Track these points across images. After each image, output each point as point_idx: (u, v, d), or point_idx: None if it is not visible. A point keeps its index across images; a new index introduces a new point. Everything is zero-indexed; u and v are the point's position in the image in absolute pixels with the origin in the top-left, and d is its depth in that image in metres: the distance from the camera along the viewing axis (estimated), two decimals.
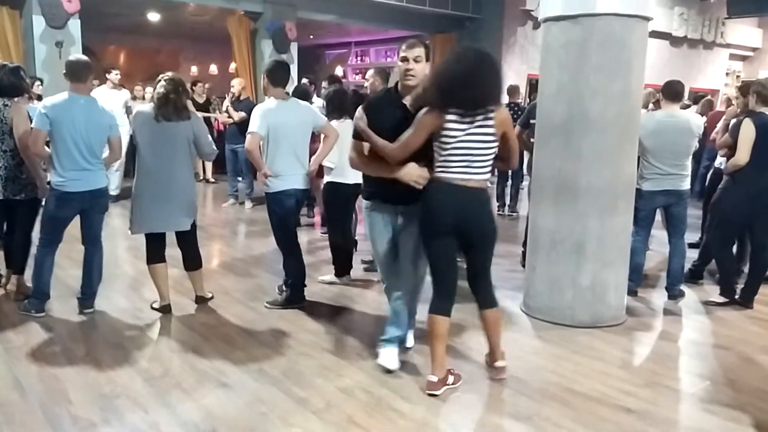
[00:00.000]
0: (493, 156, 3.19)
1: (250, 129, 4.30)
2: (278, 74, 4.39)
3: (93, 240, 4.33)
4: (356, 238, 6.13)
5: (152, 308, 4.44)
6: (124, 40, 15.13)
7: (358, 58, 16.75)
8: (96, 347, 3.82)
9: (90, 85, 4.35)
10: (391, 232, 3.52)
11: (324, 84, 7.16)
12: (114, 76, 8.44)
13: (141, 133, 4.16)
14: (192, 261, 4.49)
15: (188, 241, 4.45)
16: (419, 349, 3.70)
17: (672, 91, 4.87)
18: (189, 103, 4.28)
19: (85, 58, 4.28)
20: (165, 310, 4.41)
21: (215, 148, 4.46)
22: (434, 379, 3.25)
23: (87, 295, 4.34)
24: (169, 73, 4.23)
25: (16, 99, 4.38)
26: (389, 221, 3.51)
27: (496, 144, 3.18)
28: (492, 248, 3.33)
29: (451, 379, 3.34)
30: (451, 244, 3.25)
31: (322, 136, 4.58)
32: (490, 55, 3.21)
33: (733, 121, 5.03)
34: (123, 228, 7.43)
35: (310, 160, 4.52)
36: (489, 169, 3.21)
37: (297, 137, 4.33)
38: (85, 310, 4.32)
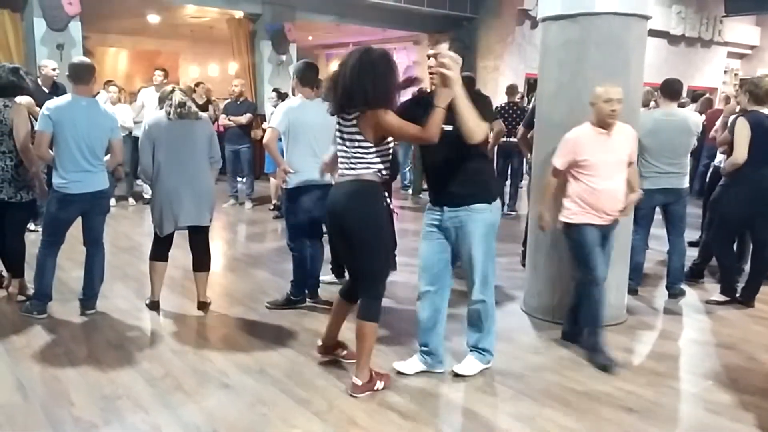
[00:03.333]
0: (364, 155, 3.08)
1: (270, 124, 4.43)
2: (307, 74, 4.44)
3: (94, 241, 4.33)
4: None
5: (147, 305, 4.48)
6: (124, 42, 15.15)
7: None
8: (97, 349, 3.83)
9: (92, 87, 4.37)
10: (437, 238, 3.39)
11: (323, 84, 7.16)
12: (158, 77, 8.13)
13: (158, 137, 4.16)
14: (202, 262, 4.49)
15: (201, 242, 4.46)
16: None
17: (670, 90, 4.88)
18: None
19: (88, 60, 4.30)
20: (153, 306, 4.45)
21: (219, 158, 4.52)
22: (358, 382, 3.22)
23: (88, 297, 4.35)
24: (174, 86, 4.37)
25: (17, 99, 4.39)
26: (435, 226, 3.38)
27: (364, 144, 3.06)
28: (360, 244, 3.11)
29: (379, 384, 3.29)
30: (340, 243, 3.27)
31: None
32: (368, 55, 3.02)
33: (731, 118, 5.04)
34: (126, 230, 7.47)
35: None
36: (363, 166, 3.09)
37: (316, 136, 4.33)
38: (87, 311, 4.33)
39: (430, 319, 3.45)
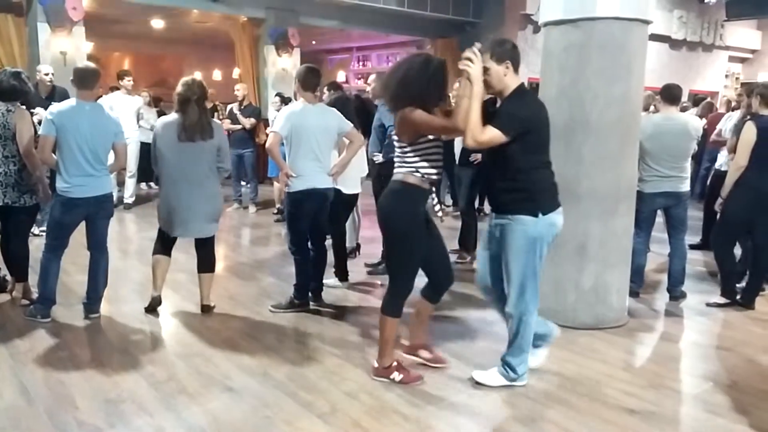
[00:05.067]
0: (402, 155, 3.29)
1: (272, 128, 4.45)
2: (309, 79, 4.47)
3: (98, 245, 4.36)
4: (359, 242, 6.17)
5: (149, 304, 4.51)
6: (129, 46, 15.21)
7: (360, 63, 16.79)
8: (101, 352, 3.85)
9: (96, 92, 4.40)
10: (486, 247, 3.42)
11: (325, 90, 7.19)
12: (127, 82, 8.46)
13: (165, 146, 4.21)
14: (206, 264, 4.52)
15: (207, 244, 4.50)
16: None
17: (670, 95, 4.90)
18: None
19: (92, 65, 4.34)
20: (155, 302, 4.48)
21: (229, 167, 4.61)
22: (376, 364, 3.49)
23: (92, 300, 4.37)
24: (186, 82, 4.21)
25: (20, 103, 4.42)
26: (488, 231, 3.40)
27: (400, 144, 3.28)
28: (384, 240, 3.44)
29: (397, 375, 3.42)
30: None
31: (347, 141, 4.64)
32: (406, 60, 3.32)
33: (737, 121, 5.05)
34: (131, 233, 7.51)
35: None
36: (402, 165, 3.30)
37: (319, 140, 4.37)
38: (91, 315, 4.35)
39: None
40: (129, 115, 8.17)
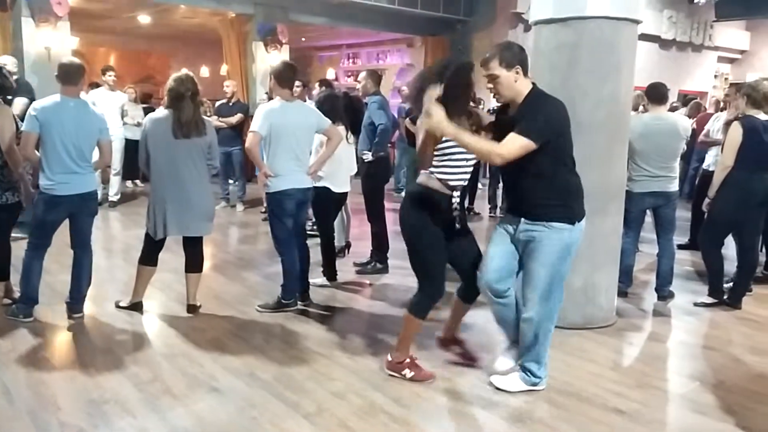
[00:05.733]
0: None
1: (251, 128, 4.33)
2: (285, 75, 4.39)
3: (82, 244, 4.29)
4: (349, 240, 6.14)
5: (118, 307, 4.46)
6: (115, 42, 15.07)
7: (350, 61, 16.73)
8: (84, 352, 3.80)
9: (81, 88, 4.33)
10: (509, 245, 3.26)
11: (316, 86, 7.15)
12: (109, 77, 8.39)
13: (157, 143, 4.15)
14: (195, 264, 4.48)
15: (196, 244, 4.46)
16: (420, 355, 3.65)
17: (657, 94, 4.89)
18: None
19: (77, 61, 4.26)
20: (138, 307, 4.44)
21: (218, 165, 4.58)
22: (390, 358, 3.52)
23: (76, 300, 4.31)
24: (179, 78, 4.15)
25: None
26: (509, 234, 3.27)
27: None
28: (406, 244, 3.38)
29: (408, 372, 3.45)
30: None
31: (326, 139, 4.58)
32: (430, 67, 3.47)
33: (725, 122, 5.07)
34: (116, 232, 7.43)
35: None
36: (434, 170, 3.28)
37: (298, 138, 4.33)
38: (74, 314, 4.29)
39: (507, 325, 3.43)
40: (113, 112, 8.07)
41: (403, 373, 3.44)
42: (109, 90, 8.38)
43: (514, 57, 3.06)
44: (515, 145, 2.94)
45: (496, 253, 3.27)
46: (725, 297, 4.89)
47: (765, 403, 3.27)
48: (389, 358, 3.52)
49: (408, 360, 3.47)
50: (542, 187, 3.10)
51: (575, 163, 3.22)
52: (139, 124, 7.39)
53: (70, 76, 4.08)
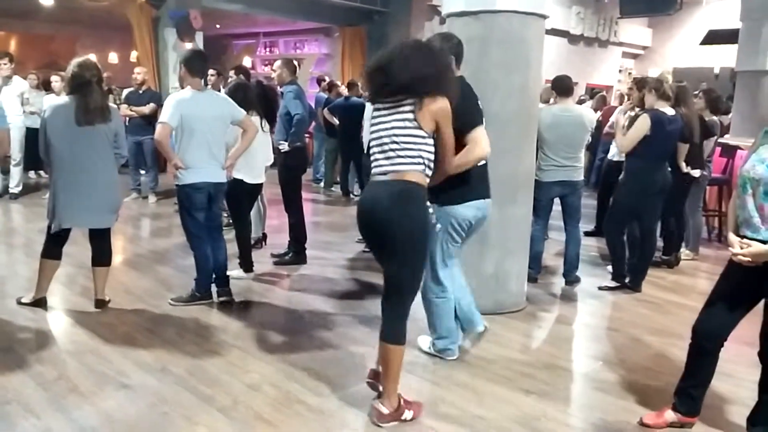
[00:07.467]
0: (417, 146, 2.77)
1: (161, 119, 4.17)
2: (196, 64, 4.26)
3: None
4: (265, 231, 6.07)
5: (20, 303, 4.25)
6: (15, 25, 14.17)
7: (267, 49, 16.47)
8: None
9: None
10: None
11: (231, 74, 6.99)
12: (5, 66, 7.85)
13: (58, 131, 3.94)
14: (102, 256, 4.30)
15: (103, 237, 4.28)
16: (331, 343, 3.69)
17: (563, 86, 5.09)
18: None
19: None
20: (41, 303, 4.24)
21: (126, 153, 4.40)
22: (384, 410, 2.92)
23: None
24: (83, 64, 3.97)
25: None
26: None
27: (415, 133, 2.76)
28: (401, 255, 2.79)
29: (408, 413, 2.97)
30: (377, 251, 2.96)
31: (240, 131, 4.49)
32: (420, 42, 2.92)
33: (631, 114, 5.30)
34: (17, 225, 7.03)
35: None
36: (412, 160, 2.77)
37: (212, 130, 4.21)
38: None
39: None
40: (11, 100, 7.61)
41: (403, 417, 2.95)
42: (4, 76, 7.87)
43: (451, 49, 3.20)
44: (476, 139, 3.19)
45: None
46: (627, 281, 5.17)
47: (661, 380, 3.48)
48: (382, 411, 2.90)
49: (402, 401, 2.98)
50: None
51: None
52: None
53: None
